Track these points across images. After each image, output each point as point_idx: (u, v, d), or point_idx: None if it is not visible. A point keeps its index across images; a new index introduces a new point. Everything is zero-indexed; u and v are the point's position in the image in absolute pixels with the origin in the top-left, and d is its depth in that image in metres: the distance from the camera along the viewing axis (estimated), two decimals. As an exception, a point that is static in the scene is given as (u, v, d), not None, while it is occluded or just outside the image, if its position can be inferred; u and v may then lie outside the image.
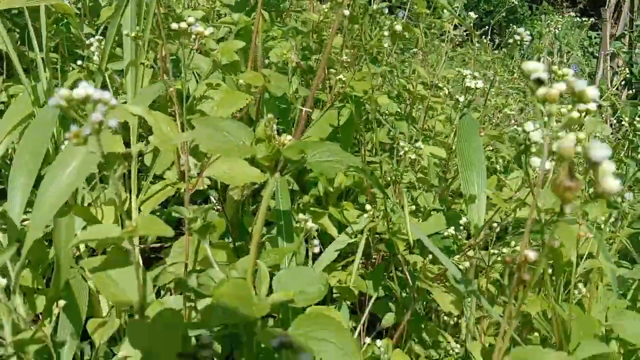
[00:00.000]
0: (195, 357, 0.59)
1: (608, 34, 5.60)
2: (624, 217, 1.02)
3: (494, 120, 2.32)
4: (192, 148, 1.07)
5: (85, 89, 0.44)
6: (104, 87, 1.23)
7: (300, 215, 0.69)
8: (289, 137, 0.61)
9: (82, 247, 1.02)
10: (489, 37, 2.43)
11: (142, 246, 1.33)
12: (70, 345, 0.85)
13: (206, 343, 0.55)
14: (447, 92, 1.52)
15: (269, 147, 0.60)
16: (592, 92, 0.43)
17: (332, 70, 1.17)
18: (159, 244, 1.35)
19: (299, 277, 0.67)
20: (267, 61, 0.93)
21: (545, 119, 0.43)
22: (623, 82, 4.55)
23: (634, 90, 5.20)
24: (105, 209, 1.01)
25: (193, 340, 0.91)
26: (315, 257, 1.25)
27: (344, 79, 1.08)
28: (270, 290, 0.66)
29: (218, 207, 1.05)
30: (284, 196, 0.82)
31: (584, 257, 0.84)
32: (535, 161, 0.48)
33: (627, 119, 1.29)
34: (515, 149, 0.53)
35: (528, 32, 1.12)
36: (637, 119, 1.22)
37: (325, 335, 0.60)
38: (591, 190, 0.34)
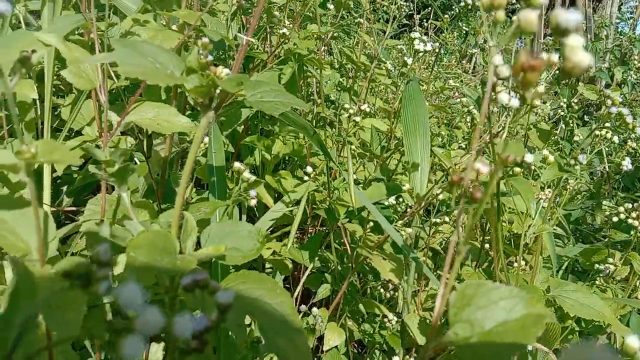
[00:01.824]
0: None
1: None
2: (562, 194, 1.02)
3: (435, 102, 2.33)
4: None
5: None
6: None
7: (236, 164, 0.61)
8: (226, 70, 0.54)
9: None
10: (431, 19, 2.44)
11: (56, 208, 1.20)
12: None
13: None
14: (389, 66, 1.48)
15: (202, 78, 0.52)
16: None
17: (275, 26, 1.09)
18: (75, 207, 1.22)
19: (232, 232, 0.59)
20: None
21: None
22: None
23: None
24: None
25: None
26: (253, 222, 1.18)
27: (287, 32, 1.00)
28: (198, 247, 0.58)
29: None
30: (217, 149, 0.74)
31: (528, 229, 0.82)
32: (502, 98, 0.43)
33: (564, 99, 1.31)
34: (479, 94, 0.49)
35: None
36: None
37: (259, 294, 0.53)
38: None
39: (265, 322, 0.49)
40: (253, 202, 0.62)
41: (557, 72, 1.54)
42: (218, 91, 0.55)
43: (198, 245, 0.58)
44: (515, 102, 0.42)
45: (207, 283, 0.36)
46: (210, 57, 0.54)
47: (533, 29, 0.35)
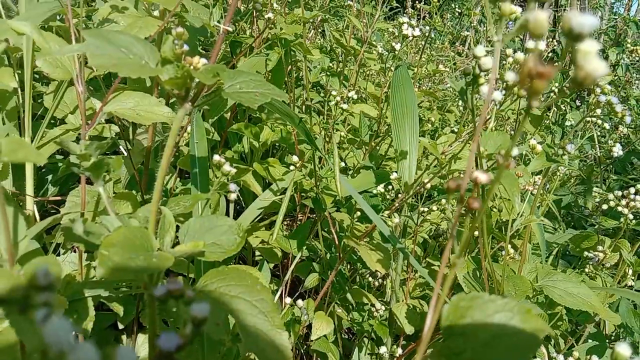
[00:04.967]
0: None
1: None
2: (552, 180, 1.01)
3: (423, 87, 2.31)
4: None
5: None
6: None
7: (216, 157, 0.60)
8: (203, 60, 0.52)
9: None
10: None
11: (39, 199, 1.18)
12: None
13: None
14: (380, 50, 1.46)
15: (177, 69, 0.50)
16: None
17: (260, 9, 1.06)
18: (60, 196, 1.20)
19: (211, 227, 0.58)
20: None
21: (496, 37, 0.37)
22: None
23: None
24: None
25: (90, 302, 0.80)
26: (238, 214, 1.17)
27: (272, 17, 0.98)
28: (177, 243, 0.57)
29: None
30: (199, 139, 0.72)
31: (516, 218, 0.81)
32: (484, 90, 0.42)
33: (556, 83, 1.30)
34: (464, 83, 0.47)
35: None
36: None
37: (240, 291, 0.52)
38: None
39: (245, 321, 0.48)
40: (233, 197, 0.61)
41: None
42: (196, 81, 0.53)
43: (177, 241, 0.57)
44: (498, 95, 0.40)
45: (181, 293, 0.35)
46: (186, 47, 0.52)
47: (544, 31, 0.32)
